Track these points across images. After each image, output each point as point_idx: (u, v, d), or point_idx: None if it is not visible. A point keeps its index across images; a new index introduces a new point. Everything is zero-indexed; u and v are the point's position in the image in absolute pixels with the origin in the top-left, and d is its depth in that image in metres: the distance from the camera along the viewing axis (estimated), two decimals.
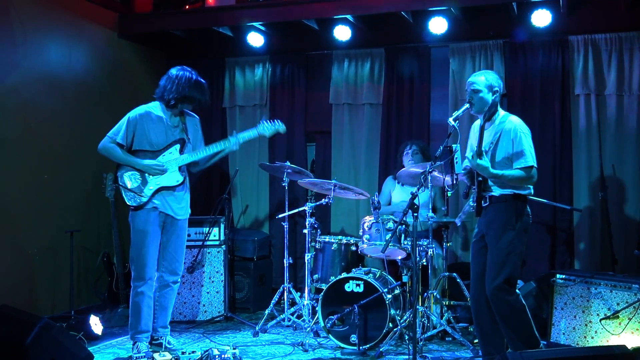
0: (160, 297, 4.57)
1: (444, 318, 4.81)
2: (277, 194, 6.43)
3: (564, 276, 4.55)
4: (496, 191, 3.86)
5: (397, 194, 5.64)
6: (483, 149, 3.73)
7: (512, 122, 3.86)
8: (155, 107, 4.50)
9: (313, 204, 5.27)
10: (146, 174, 4.43)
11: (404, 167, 5.37)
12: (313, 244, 5.26)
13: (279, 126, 4.73)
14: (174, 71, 4.49)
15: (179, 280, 4.67)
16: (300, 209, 5.44)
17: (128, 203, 4.41)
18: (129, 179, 4.42)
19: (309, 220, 5.23)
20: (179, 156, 4.50)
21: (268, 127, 4.70)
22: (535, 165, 3.80)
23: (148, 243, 4.40)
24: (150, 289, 4.46)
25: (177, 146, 4.50)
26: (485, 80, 3.88)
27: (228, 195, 5.75)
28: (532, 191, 3.91)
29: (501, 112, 3.96)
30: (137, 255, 4.42)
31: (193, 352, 4.23)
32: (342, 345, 4.61)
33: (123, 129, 4.41)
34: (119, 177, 4.44)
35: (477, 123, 3.94)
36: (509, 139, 3.80)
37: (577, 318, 4.44)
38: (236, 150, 4.64)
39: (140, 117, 4.43)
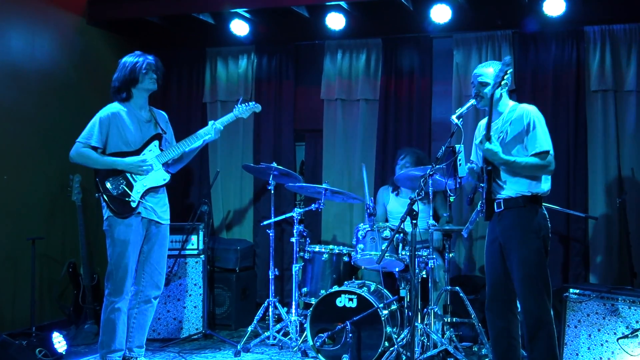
0: (139, 313, 4.49)
1: (445, 336, 4.79)
2: (263, 198, 6.45)
3: (578, 291, 4.56)
4: (509, 191, 3.83)
5: (393, 204, 5.62)
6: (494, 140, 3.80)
7: (524, 108, 3.91)
8: (119, 105, 4.44)
9: (302, 210, 5.27)
10: (130, 177, 4.35)
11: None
12: (302, 254, 5.27)
13: (255, 106, 4.79)
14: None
15: (160, 294, 4.60)
16: (288, 215, 5.44)
17: (117, 212, 4.28)
18: (112, 186, 4.32)
19: (297, 228, 5.23)
20: (161, 152, 4.45)
21: (245, 109, 4.74)
22: (552, 152, 3.80)
23: (129, 254, 4.33)
24: (126, 304, 4.40)
25: (156, 142, 4.46)
26: (493, 72, 3.90)
27: (208, 199, 5.78)
28: (550, 187, 3.89)
29: (510, 103, 4.01)
30: (116, 267, 4.33)
31: None
32: None
33: (96, 130, 4.33)
34: (100, 185, 4.32)
35: (484, 121, 3.93)
36: (521, 124, 3.84)
37: (592, 337, 4.43)
38: (217, 138, 4.62)
39: (113, 115, 4.36)
